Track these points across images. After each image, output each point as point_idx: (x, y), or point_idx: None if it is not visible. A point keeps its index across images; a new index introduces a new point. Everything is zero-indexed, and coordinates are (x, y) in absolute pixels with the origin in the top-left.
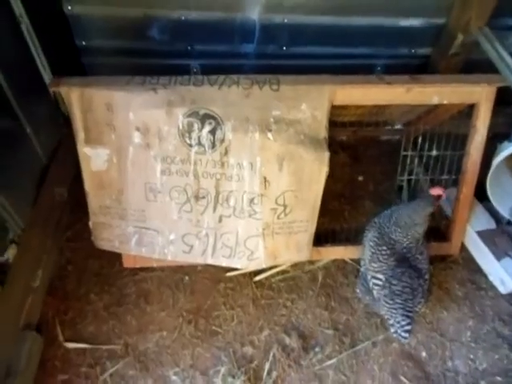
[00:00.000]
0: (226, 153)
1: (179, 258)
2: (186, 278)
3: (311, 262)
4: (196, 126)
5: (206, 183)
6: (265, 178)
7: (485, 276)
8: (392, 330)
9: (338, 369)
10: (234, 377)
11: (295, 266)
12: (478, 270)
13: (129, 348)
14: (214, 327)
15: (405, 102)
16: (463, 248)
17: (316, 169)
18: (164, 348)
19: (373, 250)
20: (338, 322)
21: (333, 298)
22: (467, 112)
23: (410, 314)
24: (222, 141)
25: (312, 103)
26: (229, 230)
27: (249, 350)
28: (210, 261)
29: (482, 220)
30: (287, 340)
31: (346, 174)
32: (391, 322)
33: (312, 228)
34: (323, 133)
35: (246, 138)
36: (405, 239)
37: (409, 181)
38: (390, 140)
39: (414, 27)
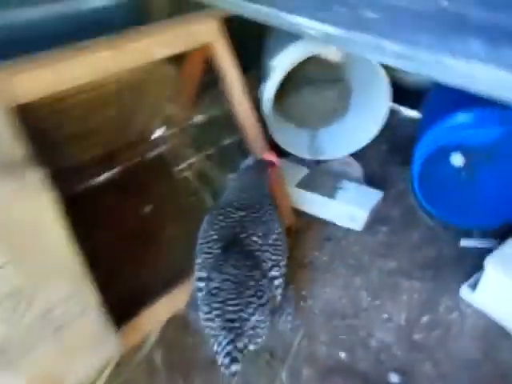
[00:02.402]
0: None
1: None
2: None
3: (138, 346)
4: None
5: None
6: None
7: (335, 225)
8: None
9: None
10: None
11: (118, 366)
12: (324, 224)
13: None
14: None
15: (120, 66)
16: (299, 213)
17: (31, 208)
18: None
19: (200, 242)
20: None
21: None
22: None
23: (233, 326)
24: None
25: None
26: None
27: None
28: None
29: (295, 173)
30: None
31: (123, 209)
32: (213, 345)
33: (91, 302)
34: (16, 150)
35: None
36: (239, 212)
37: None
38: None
39: None
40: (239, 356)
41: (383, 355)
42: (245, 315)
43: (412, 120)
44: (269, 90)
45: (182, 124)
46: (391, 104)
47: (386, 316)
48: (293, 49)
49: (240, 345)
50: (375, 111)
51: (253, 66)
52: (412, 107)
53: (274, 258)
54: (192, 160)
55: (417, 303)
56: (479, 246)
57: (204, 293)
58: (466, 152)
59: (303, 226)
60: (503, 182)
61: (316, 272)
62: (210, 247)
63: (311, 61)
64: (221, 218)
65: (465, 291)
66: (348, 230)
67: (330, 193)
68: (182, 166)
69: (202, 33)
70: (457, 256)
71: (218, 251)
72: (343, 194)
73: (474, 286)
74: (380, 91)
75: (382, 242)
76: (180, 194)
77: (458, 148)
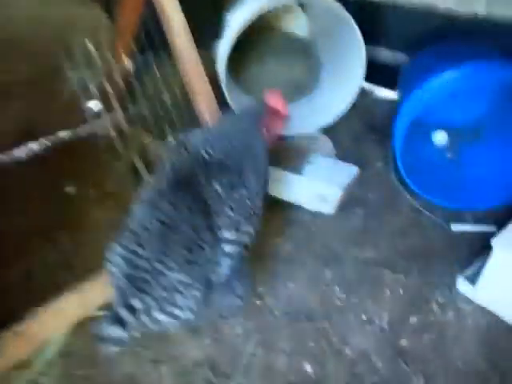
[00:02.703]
0: None
1: None
2: None
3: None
4: None
5: None
6: None
7: (301, 208)
8: None
9: None
10: None
11: None
12: (289, 206)
13: None
14: None
15: None
16: None
17: None
18: None
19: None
20: None
21: None
22: None
23: (139, 277)
24: None
25: None
26: None
27: None
28: None
29: None
30: None
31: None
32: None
33: None
34: None
35: None
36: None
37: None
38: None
39: None
40: (130, 320)
41: (361, 367)
42: (160, 267)
43: (388, 100)
44: (223, 47)
45: (116, 83)
46: (367, 84)
47: (364, 317)
48: (250, 2)
49: (137, 304)
50: (347, 84)
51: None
52: (388, 87)
53: (232, 215)
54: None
55: (403, 301)
56: (474, 231)
57: (127, 231)
58: (450, 131)
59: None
60: (493, 161)
61: (277, 263)
62: (156, 181)
63: (279, 35)
64: (182, 157)
65: (462, 285)
66: (317, 214)
67: (297, 168)
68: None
69: None
70: (448, 243)
71: (163, 187)
72: (312, 169)
73: (472, 278)
74: (353, 63)
75: (357, 227)
76: (110, 177)
77: (440, 126)
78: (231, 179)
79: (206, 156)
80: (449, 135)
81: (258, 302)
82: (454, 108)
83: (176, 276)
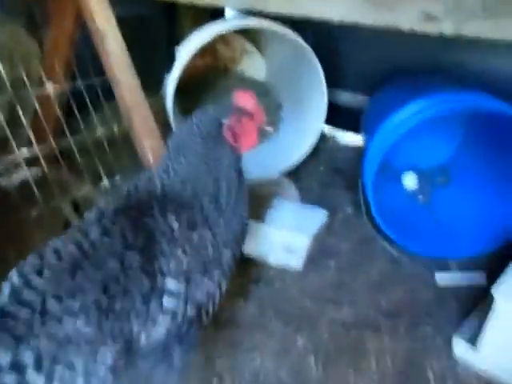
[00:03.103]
0: None
1: None
2: None
3: None
4: None
5: None
6: None
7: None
8: None
9: None
10: None
11: None
12: (251, 261)
13: None
14: None
15: None
16: None
17: None
18: None
19: None
20: None
21: None
22: None
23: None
24: None
25: None
26: None
27: None
28: None
29: None
30: None
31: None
32: None
33: None
34: None
35: None
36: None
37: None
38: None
39: None
40: None
41: None
42: (56, 308)
43: (351, 143)
44: (171, 82)
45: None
46: (328, 127)
47: None
48: (198, 33)
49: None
50: (308, 126)
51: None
52: (350, 130)
53: (184, 261)
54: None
55: (392, 371)
56: (461, 282)
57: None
58: (419, 173)
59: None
60: (469, 204)
61: (239, 331)
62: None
63: (235, 77)
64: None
65: (460, 346)
66: (284, 269)
67: (258, 215)
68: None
69: None
70: (434, 296)
71: (106, 209)
72: (276, 216)
73: (470, 338)
74: (315, 104)
75: (331, 282)
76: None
77: (410, 168)
78: (192, 215)
79: (162, 183)
80: (419, 178)
81: (214, 381)
82: (421, 148)
83: (77, 324)
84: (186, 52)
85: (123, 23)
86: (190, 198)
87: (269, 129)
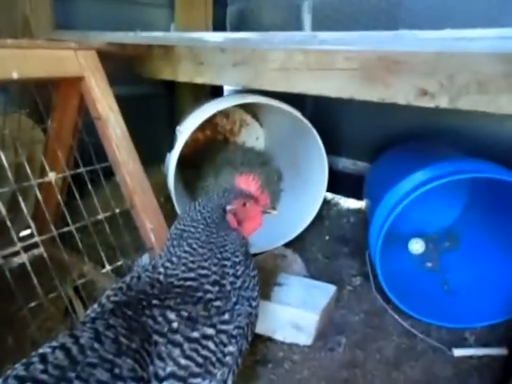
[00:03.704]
0: None
1: None
2: None
3: None
4: None
5: None
6: None
7: (273, 341)
8: None
9: None
10: None
11: None
12: (257, 340)
13: None
14: None
15: None
16: None
17: None
18: None
19: None
20: None
21: None
22: None
23: None
24: None
25: None
26: None
27: None
28: None
29: None
30: None
31: None
32: None
33: None
34: None
35: None
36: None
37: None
38: None
39: None
40: None
41: None
42: None
43: (355, 210)
44: (173, 158)
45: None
46: (330, 195)
47: None
48: (198, 111)
49: None
50: (310, 195)
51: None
52: (352, 197)
53: (183, 364)
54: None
55: None
56: (480, 354)
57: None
58: (426, 238)
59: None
60: (479, 269)
61: None
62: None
63: (235, 149)
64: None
65: None
66: (292, 346)
67: (264, 292)
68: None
69: (71, 60)
70: (454, 372)
71: (108, 306)
72: (282, 292)
73: None
74: (315, 172)
75: (343, 360)
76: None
77: (416, 234)
78: (194, 311)
79: (165, 271)
80: (426, 243)
81: None
82: (428, 214)
83: None
84: (186, 132)
85: (129, 102)
86: (194, 287)
87: (273, 212)
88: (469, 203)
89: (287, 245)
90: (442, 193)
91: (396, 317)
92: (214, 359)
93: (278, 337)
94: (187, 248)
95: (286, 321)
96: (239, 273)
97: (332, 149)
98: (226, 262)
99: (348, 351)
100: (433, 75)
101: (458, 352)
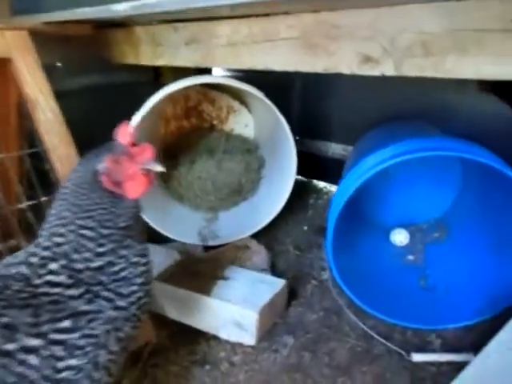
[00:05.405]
0: None
1: None
2: None
3: None
4: None
5: None
6: None
7: (216, 339)
8: None
9: None
10: None
11: None
12: (199, 337)
13: None
14: None
15: None
16: (163, 321)
17: None
18: None
19: None
20: None
21: None
22: None
23: None
24: None
25: None
26: None
27: None
28: None
29: (160, 261)
30: None
31: None
32: None
33: None
34: None
35: None
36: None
37: None
38: None
39: None
40: None
41: None
42: None
43: None
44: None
45: None
46: (322, 183)
47: None
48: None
49: None
50: (281, 182)
51: None
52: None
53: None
54: None
55: None
56: (443, 361)
57: None
58: (414, 230)
59: (165, 343)
60: (465, 264)
61: None
62: None
63: (220, 137)
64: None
65: None
66: (235, 346)
67: (207, 286)
68: None
69: None
70: (411, 379)
71: None
72: (226, 287)
73: None
74: (286, 159)
75: (285, 363)
76: None
77: (401, 225)
78: (18, 316)
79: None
80: (412, 235)
81: None
82: (417, 203)
83: None
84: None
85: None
86: (38, 265)
87: (157, 168)
88: (461, 194)
89: (257, 236)
90: (432, 183)
91: (351, 316)
92: (35, 376)
93: (223, 335)
94: (51, 218)
95: (228, 318)
96: (103, 249)
97: (321, 134)
98: (85, 232)
99: (294, 353)
100: (374, 39)
101: (417, 357)
